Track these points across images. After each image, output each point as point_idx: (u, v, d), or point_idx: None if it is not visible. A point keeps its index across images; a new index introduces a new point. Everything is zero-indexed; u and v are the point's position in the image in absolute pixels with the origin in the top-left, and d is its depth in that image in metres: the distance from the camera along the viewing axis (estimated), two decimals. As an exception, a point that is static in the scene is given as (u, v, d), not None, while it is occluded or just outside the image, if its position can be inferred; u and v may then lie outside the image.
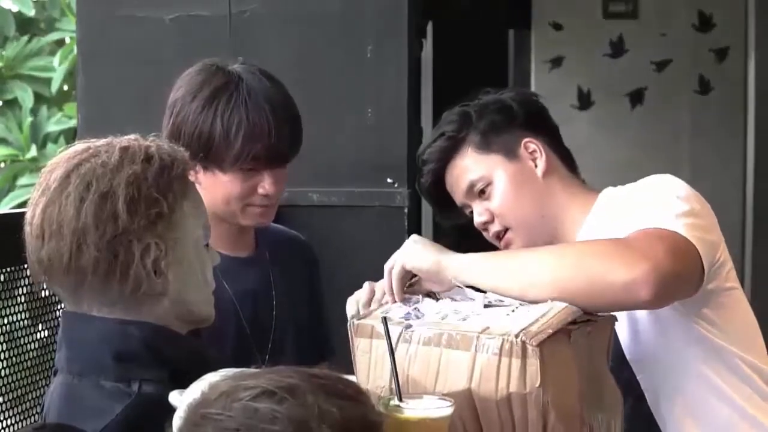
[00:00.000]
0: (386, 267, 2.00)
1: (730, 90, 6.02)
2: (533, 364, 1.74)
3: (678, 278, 1.93)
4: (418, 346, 1.82)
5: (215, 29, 3.34)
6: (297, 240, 2.54)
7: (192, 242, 1.81)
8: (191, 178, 2.23)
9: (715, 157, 5.80)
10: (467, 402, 1.77)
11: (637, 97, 5.99)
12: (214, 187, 2.25)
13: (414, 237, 2.02)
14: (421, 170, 2.36)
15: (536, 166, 2.28)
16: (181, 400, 1.53)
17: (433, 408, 1.71)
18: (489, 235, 2.31)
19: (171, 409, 1.54)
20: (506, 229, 2.27)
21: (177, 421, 1.47)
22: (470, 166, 2.30)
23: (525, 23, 7.20)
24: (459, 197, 2.33)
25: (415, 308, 1.93)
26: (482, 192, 2.29)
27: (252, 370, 1.48)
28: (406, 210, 3.32)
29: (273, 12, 3.31)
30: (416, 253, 1.97)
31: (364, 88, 3.22)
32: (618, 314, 2.04)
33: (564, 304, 1.84)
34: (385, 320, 1.82)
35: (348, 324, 1.92)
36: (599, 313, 1.93)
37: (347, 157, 3.19)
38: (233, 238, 2.34)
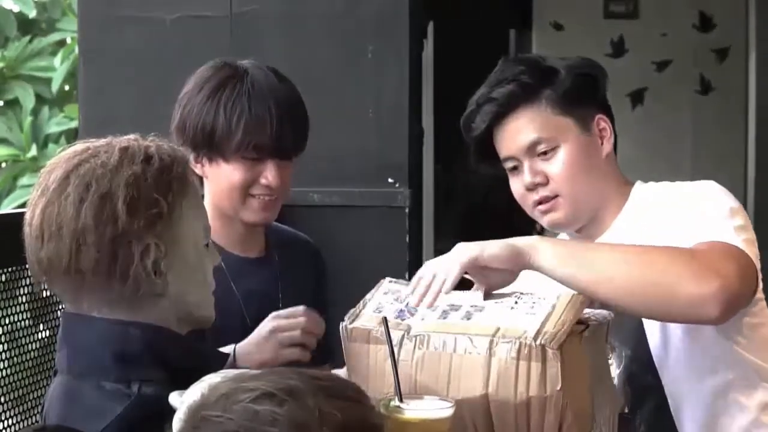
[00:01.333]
0: (448, 261, 1.89)
1: (730, 90, 6.03)
2: (554, 366, 1.73)
3: (743, 298, 1.95)
4: (425, 351, 1.80)
5: (216, 30, 3.34)
6: (305, 243, 2.54)
7: (192, 242, 1.81)
8: (198, 171, 2.25)
9: (715, 157, 5.80)
10: (482, 407, 1.76)
11: (637, 97, 5.99)
12: (218, 178, 2.29)
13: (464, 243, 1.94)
14: (479, 108, 2.22)
15: (602, 145, 2.22)
16: (181, 401, 1.53)
17: (434, 409, 1.71)
18: (532, 197, 2.21)
19: (171, 411, 1.53)
20: (555, 196, 2.20)
21: (177, 422, 1.47)
22: (541, 123, 2.19)
23: (526, 23, 7.19)
24: (512, 149, 2.21)
25: (407, 304, 1.90)
26: (544, 153, 2.19)
27: (252, 371, 1.48)
28: (407, 210, 3.32)
29: (274, 12, 3.32)
30: (486, 244, 1.90)
31: (364, 89, 3.22)
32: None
33: (568, 297, 1.82)
34: (385, 320, 1.81)
35: (340, 328, 1.88)
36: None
37: (348, 157, 3.19)
38: (242, 239, 2.35)
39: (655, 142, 5.89)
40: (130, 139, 1.80)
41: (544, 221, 2.23)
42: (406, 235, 3.31)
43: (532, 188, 2.20)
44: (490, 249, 1.89)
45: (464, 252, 1.89)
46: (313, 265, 2.50)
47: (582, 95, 2.21)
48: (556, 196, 2.19)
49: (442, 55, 6.26)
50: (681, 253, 1.93)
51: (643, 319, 2.09)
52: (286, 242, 2.46)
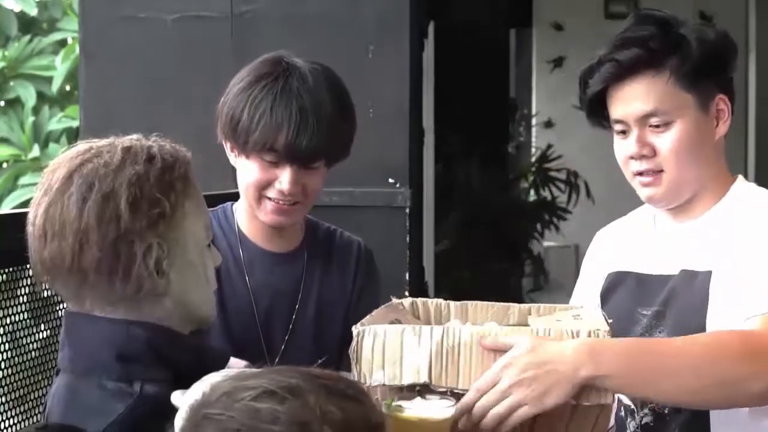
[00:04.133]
0: (508, 403, 1.78)
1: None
2: None
3: None
4: (474, 346, 1.80)
5: (217, 30, 3.35)
6: (349, 246, 2.45)
7: (194, 242, 1.81)
8: (231, 160, 2.27)
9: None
10: None
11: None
12: (241, 171, 2.29)
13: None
14: (600, 66, 2.13)
15: (716, 126, 2.13)
16: (183, 400, 1.53)
17: (434, 408, 1.71)
18: (634, 166, 2.14)
19: (173, 410, 1.54)
20: (659, 171, 2.12)
21: (179, 421, 1.48)
22: (660, 95, 2.09)
23: (526, 23, 7.20)
24: (625, 114, 2.12)
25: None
26: (656, 126, 2.10)
27: (254, 369, 1.48)
28: (407, 210, 3.33)
29: (274, 12, 3.32)
30: (546, 391, 1.77)
31: (365, 89, 3.22)
32: None
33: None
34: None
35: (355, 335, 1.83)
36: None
37: (348, 158, 3.20)
38: (267, 232, 2.34)
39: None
40: (132, 139, 1.80)
41: (641, 193, 2.17)
42: (407, 235, 3.31)
43: (636, 158, 2.13)
44: (553, 398, 1.78)
45: (526, 399, 1.78)
46: (354, 269, 2.42)
47: (708, 73, 2.11)
48: (660, 171, 2.12)
49: (442, 55, 6.26)
50: (741, 347, 1.90)
51: (706, 326, 2.05)
52: (324, 242, 2.42)
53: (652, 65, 2.09)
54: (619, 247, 2.29)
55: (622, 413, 2.17)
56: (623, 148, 2.15)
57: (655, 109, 2.09)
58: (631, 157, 2.13)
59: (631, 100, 2.10)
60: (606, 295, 2.26)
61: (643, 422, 2.15)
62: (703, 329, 2.05)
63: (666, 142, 2.10)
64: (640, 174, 2.13)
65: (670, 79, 2.08)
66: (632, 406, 2.15)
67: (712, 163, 2.15)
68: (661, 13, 2.14)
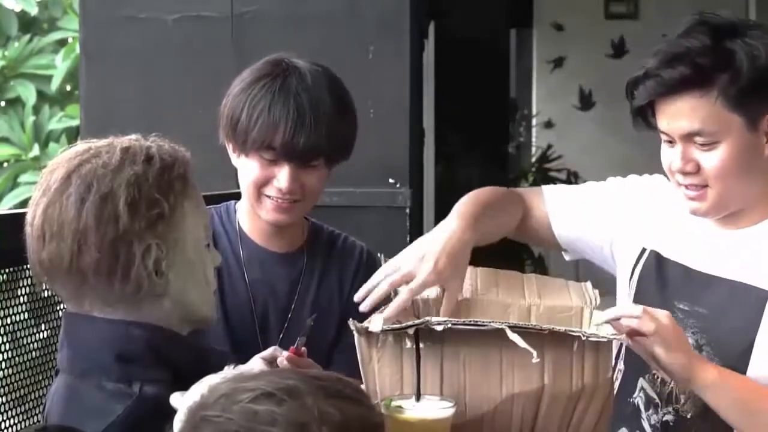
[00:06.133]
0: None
1: (731, 90, 6.02)
2: (607, 355, 1.79)
3: None
4: (472, 349, 1.79)
5: (218, 30, 3.35)
6: (351, 249, 2.45)
7: (193, 242, 1.81)
8: (233, 160, 2.27)
9: (716, 158, 5.80)
10: (535, 399, 1.79)
11: (638, 98, 5.99)
12: (241, 170, 2.30)
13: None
14: (645, 80, 2.07)
15: (766, 142, 2.06)
16: (182, 402, 1.53)
17: (434, 409, 1.71)
18: (678, 178, 2.10)
19: (172, 411, 1.54)
20: (704, 186, 2.07)
21: (177, 423, 1.48)
22: (706, 115, 2.02)
23: (526, 23, 7.20)
24: (670, 129, 2.07)
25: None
26: (702, 144, 2.04)
27: (252, 371, 1.48)
28: (407, 210, 3.33)
29: (274, 13, 3.32)
30: (668, 347, 1.88)
31: (365, 89, 3.22)
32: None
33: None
34: (417, 333, 1.80)
35: (359, 336, 1.82)
36: None
37: (349, 158, 3.20)
38: (267, 231, 2.35)
39: (656, 142, 5.89)
40: (131, 139, 1.80)
41: (686, 205, 2.12)
42: (407, 235, 3.31)
43: (680, 172, 2.09)
44: (668, 360, 1.89)
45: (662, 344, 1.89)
46: (354, 272, 2.42)
47: (759, 91, 2.02)
48: (706, 186, 2.07)
49: (442, 55, 6.26)
50: None
51: (754, 350, 2.03)
52: (326, 245, 2.42)
53: (699, 84, 2.02)
54: (664, 224, 2.23)
55: (642, 403, 2.16)
56: (669, 157, 2.11)
57: (700, 129, 2.03)
58: (677, 171, 2.10)
59: (677, 117, 2.05)
60: (643, 275, 2.22)
61: (663, 419, 2.14)
62: (748, 347, 2.04)
63: (711, 161, 2.05)
64: (685, 186, 2.10)
65: (717, 100, 2.01)
66: (657, 400, 2.14)
67: (760, 179, 2.10)
68: (718, 19, 2.08)
